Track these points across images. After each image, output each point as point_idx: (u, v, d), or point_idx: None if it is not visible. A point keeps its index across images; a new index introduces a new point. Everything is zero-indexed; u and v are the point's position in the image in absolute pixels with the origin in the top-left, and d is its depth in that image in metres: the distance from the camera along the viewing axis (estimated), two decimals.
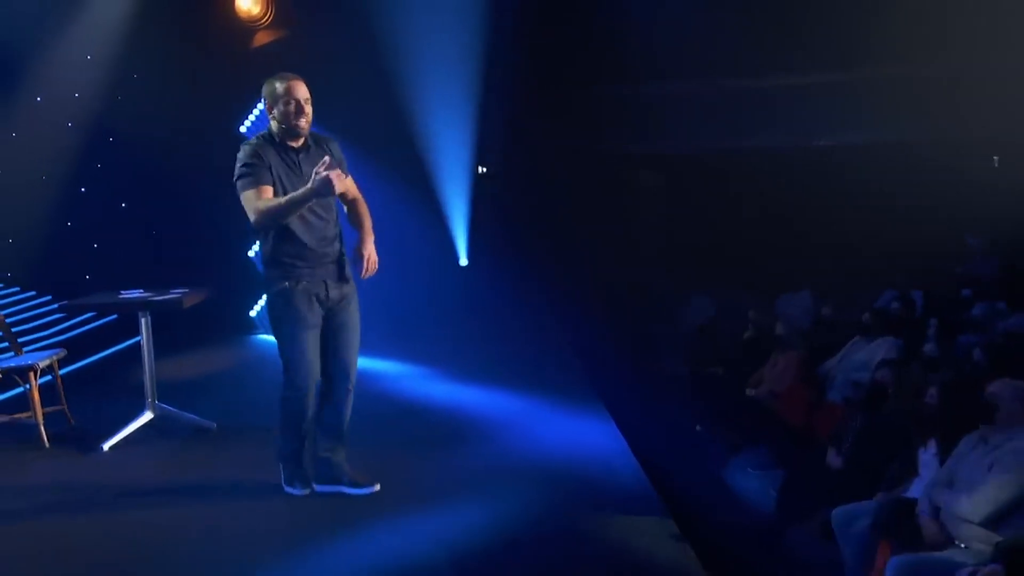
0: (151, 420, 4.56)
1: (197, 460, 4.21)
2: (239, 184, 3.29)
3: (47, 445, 4.40)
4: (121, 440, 4.39)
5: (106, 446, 4.32)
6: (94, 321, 7.50)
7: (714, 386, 6.03)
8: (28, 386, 4.44)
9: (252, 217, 3.26)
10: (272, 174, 3.29)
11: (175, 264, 7.75)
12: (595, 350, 6.61)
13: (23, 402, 4.71)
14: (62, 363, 4.87)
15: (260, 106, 7.89)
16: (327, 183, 3.09)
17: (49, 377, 4.75)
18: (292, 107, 3.32)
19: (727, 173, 8.85)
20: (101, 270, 7.69)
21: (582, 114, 8.43)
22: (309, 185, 3.15)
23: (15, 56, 6.55)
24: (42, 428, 4.42)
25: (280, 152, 3.35)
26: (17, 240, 7.22)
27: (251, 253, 8.15)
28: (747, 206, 8.68)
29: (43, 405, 4.50)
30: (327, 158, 3.16)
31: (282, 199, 3.23)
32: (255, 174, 3.26)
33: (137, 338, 7.40)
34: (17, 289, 7.38)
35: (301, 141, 3.42)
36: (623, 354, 6.79)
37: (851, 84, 8.32)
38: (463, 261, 8.29)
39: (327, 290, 3.45)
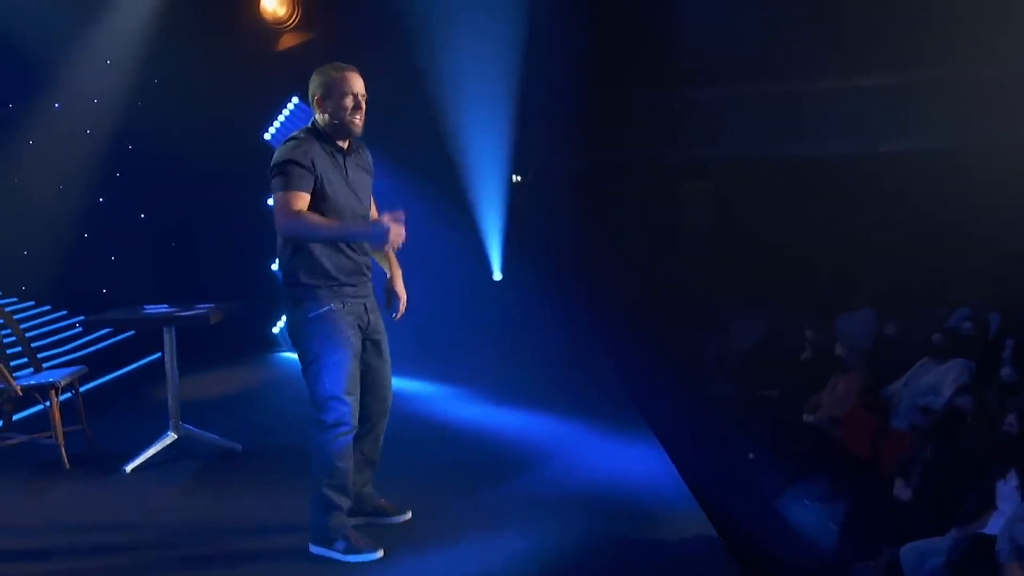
0: (174, 441, 4.66)
1: (223, 484, 4.28)
2: (276, 181, 3.09)
3: (67, 466, 4.51)
4: (144, 462, 4.49)
5: (129, 468, 4.42)
6: (111, 337, 7.67)
7: (768, 410, 5.99)
8: (48, 404, 4.55)
9: (282, 222, 3.08)
10: (316, 175, 3.11)
11: (194, 277, 7.94)
12: (639, 370, 6.60)
13: (42, 421, 4.84)
14: (81, 380, 4.99)
15: (286, 112, 8.06)
16: (384, 236, 2.97)
17: (68, 395, 4.88)
18: (348, 101, 3.16)
19: (779, 182, 8.81)
20: (118, 283, 7.88)
21: (624, 120, 8.46)
22: (365, 228, 3.10)
23: (33, 60, 6.73)
24: (63, 449, 4.53)
25: (327, 150, 3.18)
26: (32, 252, 7.40)
27: (275, 267, 8.26)
28: (801, 217, 8.62)
29: (63, 424, 4.60)
30: (403, 212, 3.03)
31: (326, 223, 3.08)
32: (296, 176, 3.06)
33: (156, 355, 7.69)
34: (32, 303, 7.57)
35: (348, 141, 3.26)
36: (669, 375, 6.77)
37: (916, 85, 8.25)
38: (497, 275, 8.35)
39: (367, 312, 3.34)
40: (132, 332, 7.68)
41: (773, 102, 8.79)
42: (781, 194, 8.76)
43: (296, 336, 3.27)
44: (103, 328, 7.38)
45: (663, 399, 6.01)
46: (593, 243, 8.53)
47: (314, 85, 3.23)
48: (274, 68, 7.84)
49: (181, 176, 7.76)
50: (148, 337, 7.44)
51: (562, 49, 7.49)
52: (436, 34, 7.15)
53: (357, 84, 3.21)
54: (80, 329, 7.57)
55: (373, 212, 3.45)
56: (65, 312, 7.71)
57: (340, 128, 3.21)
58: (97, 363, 6.41)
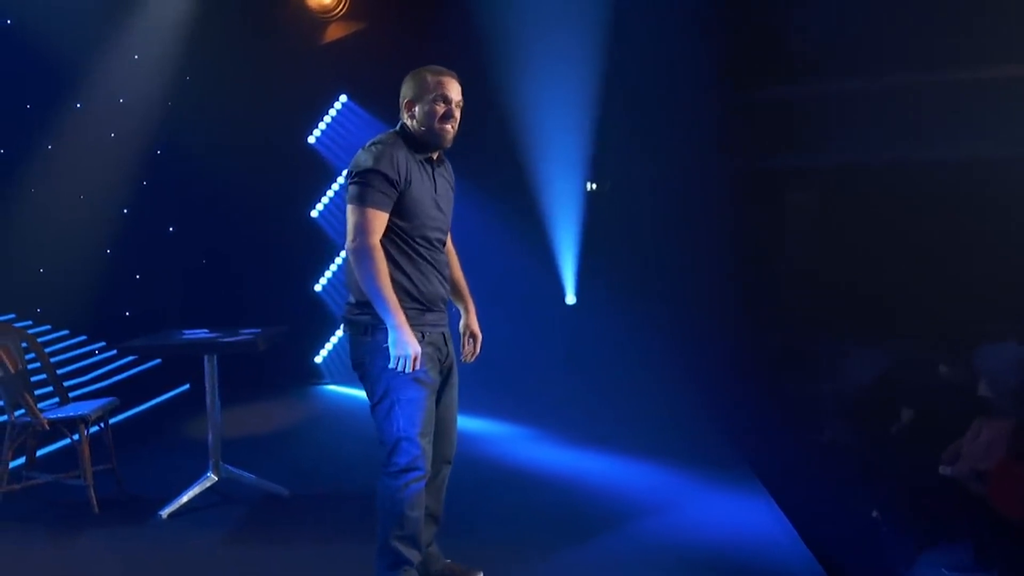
0: (214, 484, 4.76)
1: (270, 533, 4.35)
2: (353, 190, 3.16)
3: (97, 510, 4.63)
4: (182, 506, 4.60)
5: (165, 513, 4.53)
6: (136, 366, 7.84)
7: (895, 460, 5.87)
8: (76, 439, 4.67)
9: (353, 245, 3.14)
10: (402, 184, 3.18)
11: (228, 299, 8.07)
12: (739, 408, 6.55)
13: (66, 458, 4.97)
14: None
15: (333, 112, 8.23)
16: (406, 357, 3.11)
17: (95, 428, 5.01)
18: (440, 107, 3.25)
19: (898, 190, 8.66)
20: (143, 305, 8.07)
21: (717, 121, 8.43)
22: (408, 333, 3.12)
23: (52, 55, 6.88)
24: (92, 491, 4.66)
25: (416, 158, 3.26)
26: (48, 270, 7.54)
27: (318, 287, 8.41)
28: (927, 231, 8.46)
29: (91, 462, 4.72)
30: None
31: (387, 286, 3.12)
32: (378, 191, 3.14)
33: (183, 387, 7.87)
34: (48, 327, 7.73)
35: (438, 153, 3.36)
36: (775, 415, 6.69)
37: None
38: (570, 299, 8.36)
39: (446, 342, 3.39)
40: (158, 360, 7.87)
41: (890, 98, 8.67)
42: (901, 205, 8.62)
43: (365, 368, 3.30)
44: (130, 355, 7.52)
45: (769, 443, 5.95)
46: (680, 262, 8.47)
47: (405, 87, 3.32)
48: (319, 63, 8.03)
49: (215, 185, 7.96)
50: (176, 366, 7.64)
51: (648, 44, 7.53)
52: (507, 25, 7.24)
53: (453, 90, 3.28)
54: (99, 356, 7.79)
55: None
56: (85, 337, 7.90)
57: (429, 136, 3.28)
58: (119, 394, 6.57)
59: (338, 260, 8.44)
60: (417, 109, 3.28)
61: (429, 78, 3.27)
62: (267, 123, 7.80)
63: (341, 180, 8.40)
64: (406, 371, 3.13)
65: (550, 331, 7.98)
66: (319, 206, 8.41)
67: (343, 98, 8.28)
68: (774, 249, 9.12)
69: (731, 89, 8.48)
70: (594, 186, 8.71)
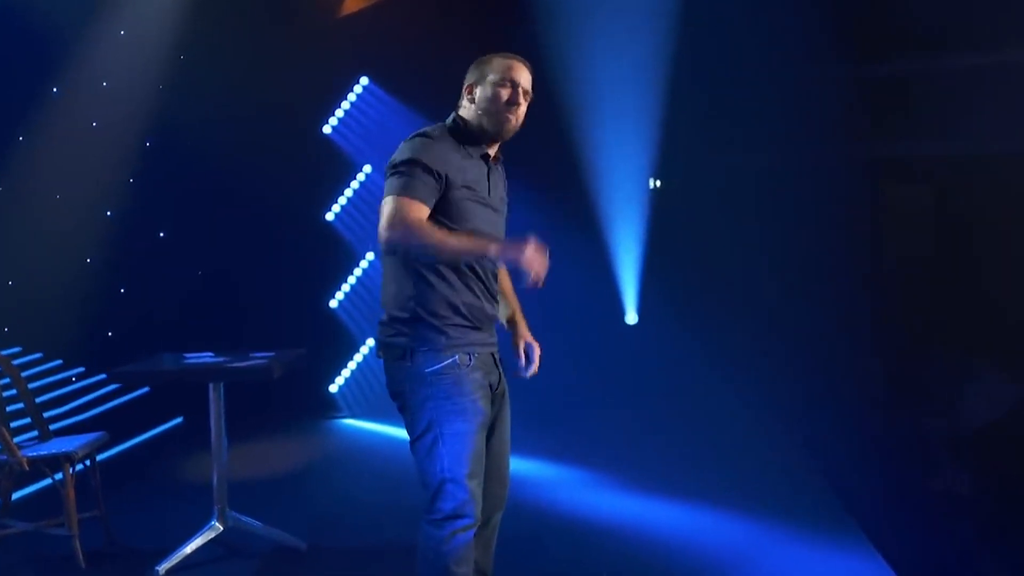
0: (219, 534, 4.80)
1: None
2: (391, 182, 3.20)
3: (83, 565, 4.68)
4: (181, 561, 4.63)
5: (162, 569, 4.58)
6: (122, 395, 7.96)
7: None
8: (60, 479, 4.75)
9: (388, 233, 3.13)
10: (445, 183, 3.22)
11: (228, 317, 8.15)
12: (836, 448, 6.54)
13: (47, 502, 5.04)
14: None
15: (352, 97, 8.32)
16: (519, 254, 3.02)
17: (80, 467, 5.08)
18: (506, 92, 3.32)
19: None
20: (128, 323, 8.13)
21: (808, 103, 8.39)
22: (493, 245, 3.13)
23: (23, 33, 6.98)
24: (77, 541, 4.72)
25: (469, 153, 3.33)
26: (18, 283, 7.63)
27: (334, 303, 8.49)
28: None
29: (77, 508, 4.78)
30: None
31: (448, 234, 3.16)
32: (420, 181, 3.17)
33: (175, 420, 7.97)
34: (19, 349, 7.83)
35: (496, 149, 3.42)
36: (878, 457, 6.66)
37: None
38: (631, 317, 8.38)
39: (497, 365, 3.43)
40: (147, 389, 7.97)
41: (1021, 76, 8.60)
42: None
43: (404, 398, 3.32)
44: (120, 382, 7.55)
45: (873, 490, 5.93)
46: (762, 273, 8.44)
47: (469, 73, 3.40)
48: (336, 39, 8.11)
49: (213, 183, 8.06)
50: (168, 396, 7.73)
51: (725, 9, 7.54)
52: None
53: (523, 76, 3.36)
54: (78, 384, 7.91)
55: None
56: (61, 362, 8.01)
57: (487, 121, 3.34)
58: (102, 427, 6.65)
59: (357, 272, 8.52)
60: (478, 91, 3.34)
61: (497, 60, 3.36)
62: (275, 110, 7.89)
63: (362, 177, 8.48)
64: (539, 279, 3.06)
65: (607, 356, 7.99)
66: (335, 207, 8.51)
67: (364, 81, 8.37)
68: (879, 255, 9.04)
69: (831, 64, 8.44)
70: (659, 183, 8.71)
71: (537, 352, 3.58)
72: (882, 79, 8.60)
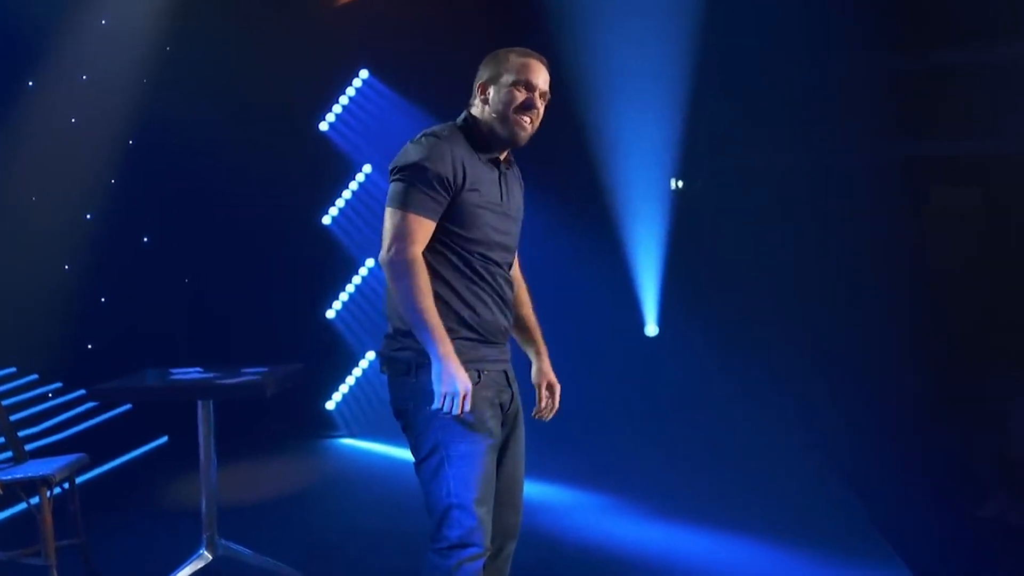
0: (208, 564, 4.80)
1: None
2: (398, 190, 3.21)
3: None
4: None
5: None
6: (101, 413, 7.94)
7: None
8: (36, 503, 4.74)
9: (391, 253, 3.17)
10: (461, 188, 3.23)
11: (216, 329, 8.15)
12: (876, 474, 6.53)
13: (22, 528, 5.04)
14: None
15: (350, 92, 8.33)
16: (448, 386, 3.09)
17: (58, 490, 5.08)
18: (521, 94, 3.31)
19: None
20: (109, 335, 8.13)
21: (843, 99, 8.39)
22: (457, 365, 3.12)
23: None
24: (55, 572, 4.70)
25: (480, 157, 3.34)
26: None
27: (331, 313, 8.49)
28: None
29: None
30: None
31: (429, 307, 3.14)
32: (423, 194, 3.18)
33: (159, 440, 7.97)
34: None
35: (507, 153, 3.42)
36: (920, 483, 6.65)
37: None
38: (651, 329, 8.37)
39: (509, 383, 3.41)
40: (128, 406, 7.97)
41: None
42: None
43: (409, 416, 3.32)
44: (101, 400, 7.51)
45: (916, 518, 5.91)
46: (793, 282, 8.43)
47: (482, 68, 3.39)
48: (333, 30, 8.12)
49: (201, 184, 8.07)
50: (151, 414, 7.73)
51: (750, 4, 7.56)
52: None
53: (539, 77, 3.34)
54: (54, 401, 7.89)
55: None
56: (36, 377, 8.00)
57: (500, 126, 3.32)
58: (80, 447, 6.64)
59: (356, 280, 8.52)
60: (492, 92, 3.33)
61: (513, 58, 3.34)
62: (268, 106, 7.90)
63: (361, 178, 8.48)
64: (453, 413, 3.12)
65: (626, 371, 7.99)
66: (333, 210, 8.51)
67: (363, 74, 8.38)
68: (920, 261, 9.02)
69: (865, 57, 8.44)
70: (681, 184, 8.71)
71: (557, 393, 3.57)
72: (922, 72, 8.59)
